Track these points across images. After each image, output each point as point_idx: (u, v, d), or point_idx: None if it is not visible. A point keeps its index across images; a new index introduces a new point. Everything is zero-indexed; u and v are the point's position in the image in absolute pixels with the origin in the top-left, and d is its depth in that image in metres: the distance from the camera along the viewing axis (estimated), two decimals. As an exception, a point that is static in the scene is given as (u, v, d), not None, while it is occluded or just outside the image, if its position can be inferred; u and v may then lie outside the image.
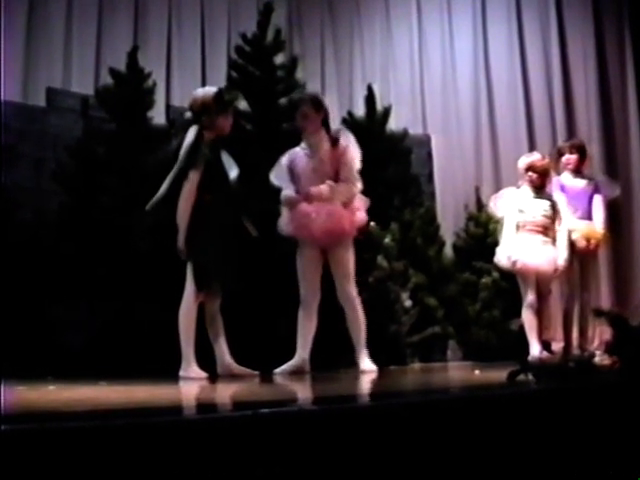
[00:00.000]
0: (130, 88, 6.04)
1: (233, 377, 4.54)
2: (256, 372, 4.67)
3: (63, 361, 4.94)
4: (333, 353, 5.06)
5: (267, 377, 4.52)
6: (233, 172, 4.80)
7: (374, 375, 4.72)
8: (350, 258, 4.98)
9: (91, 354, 5.10)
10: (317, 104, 5.09)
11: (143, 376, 4.28)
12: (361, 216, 5.05)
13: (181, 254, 4.56)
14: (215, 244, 4.56)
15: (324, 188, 4.88)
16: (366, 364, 4.89)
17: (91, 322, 5.32)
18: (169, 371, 4.47)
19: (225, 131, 4.83)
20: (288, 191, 5.01)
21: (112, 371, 4.59)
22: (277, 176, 5.12)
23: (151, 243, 5.37)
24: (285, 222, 5.00)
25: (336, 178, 4.95)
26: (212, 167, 4.65)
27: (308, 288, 4.95)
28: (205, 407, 2.85)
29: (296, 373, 4.79)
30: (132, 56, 6.14)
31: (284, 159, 5.11)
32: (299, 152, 5.09)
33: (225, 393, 3.73)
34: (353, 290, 4.97)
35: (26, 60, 7.15)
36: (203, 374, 4.50)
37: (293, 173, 5.05)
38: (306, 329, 4.95)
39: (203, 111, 4.74)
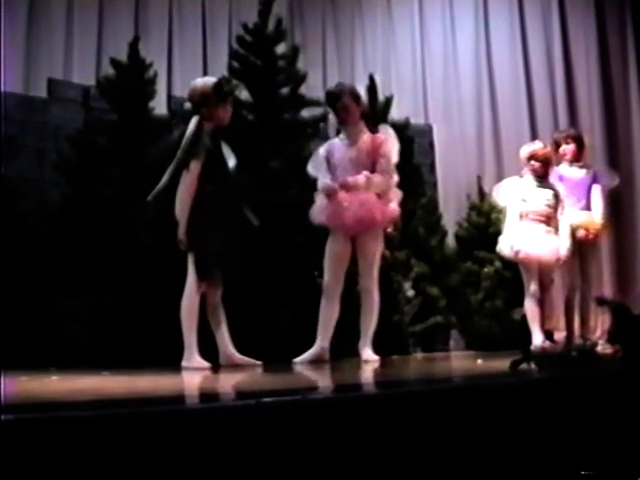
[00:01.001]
0: (131, 79, 6.03)
1: (235, 367, 4.55)
2: (258, 362, 4.67)
3: (66, 352, 4.94)
4: (335, 343, 5.05)
5: (270, 367, 4.52)
6: (231, 161, 4.81)
7: (377, 364, 4.73)
8: (377, 250, 5.03)
9: (94, 345, 5.10)
10: (357, 96, 5.15)
11: (146, 366, 4.29)
12: (393, 208, 5.08)
13: (181, 245, 4.56)
14: (216, 234, 4.55)
15: (360, 178, 4.92)
16: (368, 354, 4.92)
17: (94, 313, 5.32)
18: (172, 361, 4.47)
19: (225, 121, 4.82)
20: (326, 180, 5.04)
21: (115, 362, 4.59)
22: (314, 166, 5.18)
23: (153, 234, 5.37)
24: (318, 211, 5.04)
25: (372, 170, 4.98)
26: (212, 157, 4.64)
27: (332, 277, 4.98)
28: (208, 396, 2.85)
29: (316, 362, 4.81)
30: (133, 46, 6.13)
31: (322, 149, 5.19)
32: (337, 142, 5.16)
33: (228, 383, 3.73)
34: (373, 282, 5.00)
35: (27, 51, 7.14)
36: (206, 364, 4.50)
37: (329, 163, 5.09)
38: (327, 318, 4.97)
39: (203, 102, 4.72)
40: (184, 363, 4.49)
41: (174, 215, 4.59)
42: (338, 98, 5.09)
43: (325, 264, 5.02)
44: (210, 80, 4.92)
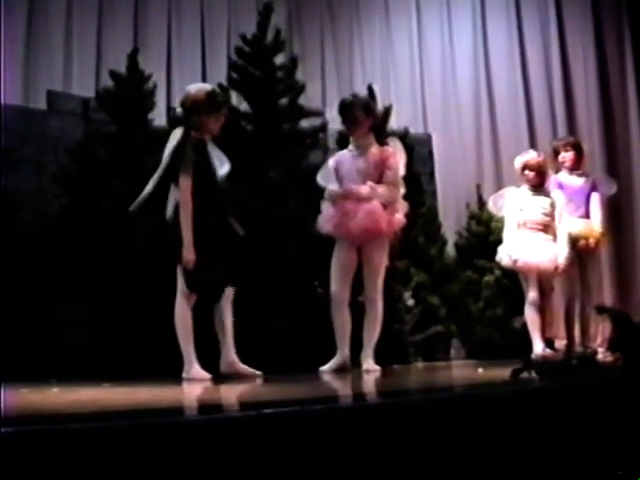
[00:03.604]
0: (131, 90, 6.04)
1: (236, 377, 4.53)
2: (259, 372, 4.66)
3: (66, 363, 4.94)
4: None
5: (270, 377, 4.52)
6: (224, 168, 4.74)
7: (378, 374, 4.73)
8: (382, 259, 5.04)
9: (94, 356, 5.10)
10: (368, 109, 5.13)
11: (146, 377, 4.28)
12: (399, 218, 5.11)
13: (188, 264, 4.49)
14: (203, 245, 4.49)
15: (364, 187, 4.95)
16: (370, 364, 4.93)
17: (94, 323, 5.32)
18: (173, 371, 4.46)
19: (214, 132, 4.73)
20: (333, 186, 5.08)
21: (115, 371, 4.59)
22: (323, 177, 5.21)
23: (152, 244, 5.36)
24: (325, 220, 5.06)
25: (379, 181, 5.01)
26: (199, 169, 4.55)
27: (338, 285, 5.01)
28: (208, 408, 2.85)
29: (340, 371, 4.85)
30: (132, 58, 6.13)
31: (331, 160, 5.22)
32: (346, 154, 5.19)
33: (228, 394, 3.73)
34: (378, 291, 5.02)
35: (26, 63, 7.16)
36: (206, 375, 4.48)
37: (338, 174, 5.13)
38: (341, 326, 5.00)
39: (193, 110, 4.67)
40: (185, 375, 4.47)
41: (164, 227, 4.58)
42: (349, 109, 5.12)
43: (332, 273, 5.04)
44: (204, 87, 4.82)
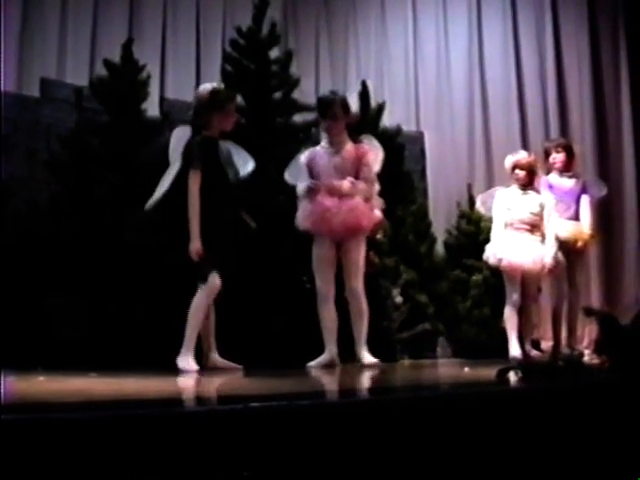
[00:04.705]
0: (124, 80, 6.01)
1: (219, 370, 4.56)
2: (240, 366, 4.68)
3: (54, 353, 4.93)
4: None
5: (259, 371, 4.52)
6: (249, 166, 4.87)
7: (364, 371, 4.74)
8: (361, 253, 5.09)
9: (83, 346, 5.09)
10: (346, 107, 5.22)
11: (134, 368, 4.28)
12: (377, 214, 5.17)
13: (195, 255, 4.53)
14: (214, 242, 4.55)
15: (345, 183, 5.00)
16: (367, 357, 4.98)
17: (83, 314, 5.30)
18: (161, 363, 4.47)
19: (224, 129, 4.86)
20: (307, 182, 5.08)
21: (103, 363, 4.58)
22: (292, 174, 5.27)
23: (144, 235, 5.36)
24: (303, 216, 5.07)
25: (356, 177, 5.07)
26: (208, 166, 4.64)
27: (323, 281, 5.05)
28: (196, 400, 2.85)
29: (327, 367, 4.88)
30: (127, 48, 6.11)
31: (302, 157, 5.24)
32: (319, 150, 5.22)
33: (216, 386, 3.73)
34: (360, 285, 5.07)
35: (20, 50, 7.13)
36: (195, 367, 4.51)
37: (312, 171, 5.15)
38: (328, 322, 5.04)
39: (200, 109, 4.77)
40: (179, 360, 4.48)
41: (173, 223, 4.63)
42: (329, 106, 5.14)
43: (314, 269, 5.06)
44: (208, 87, 4.94)
